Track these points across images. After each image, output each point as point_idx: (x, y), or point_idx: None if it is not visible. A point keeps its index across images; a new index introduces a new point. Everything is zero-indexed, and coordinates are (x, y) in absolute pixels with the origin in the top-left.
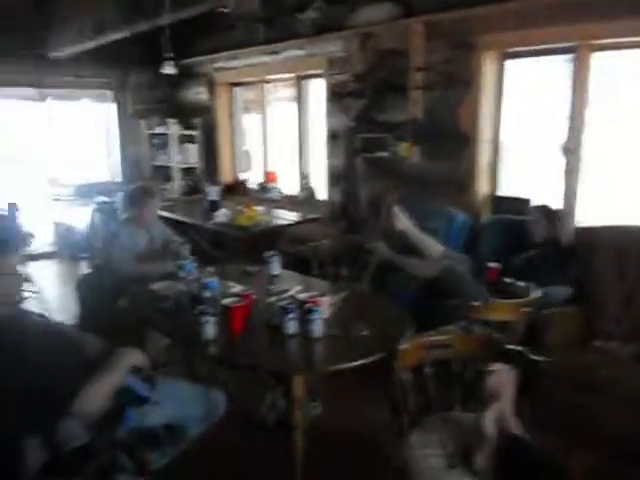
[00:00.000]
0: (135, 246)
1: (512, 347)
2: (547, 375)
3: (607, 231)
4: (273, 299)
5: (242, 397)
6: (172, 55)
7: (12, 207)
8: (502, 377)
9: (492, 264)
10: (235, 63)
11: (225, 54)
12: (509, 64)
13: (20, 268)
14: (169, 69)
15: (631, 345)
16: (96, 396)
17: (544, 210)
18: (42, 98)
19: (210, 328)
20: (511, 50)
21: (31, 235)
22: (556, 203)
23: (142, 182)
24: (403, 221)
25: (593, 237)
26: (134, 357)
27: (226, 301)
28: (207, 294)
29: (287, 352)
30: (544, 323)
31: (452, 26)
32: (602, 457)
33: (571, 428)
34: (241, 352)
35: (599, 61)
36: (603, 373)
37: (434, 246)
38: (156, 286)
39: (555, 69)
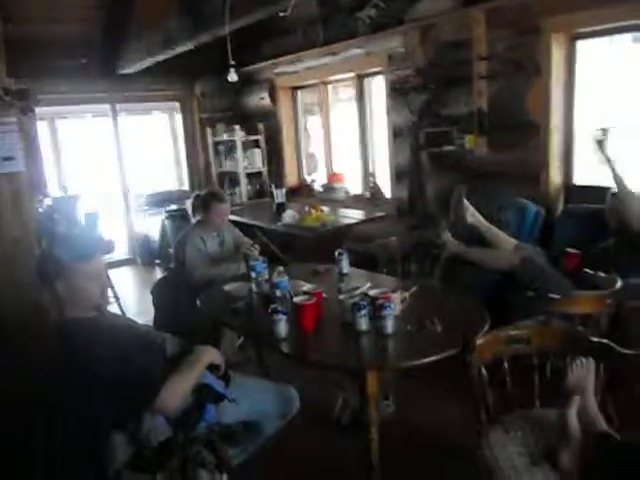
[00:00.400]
0: (207, 249)
1: (597, 340)
2: (633, 371)
3: None
4: (344, 296)
5: (316, 395)
6: (234, 63)
7: (93, 216)
8: (584, 370)
9: (571, 250)
10: (295, 67)
11: (285, 58)
12: (580, 45)
13: (104, 273)
14: (231, 77)
15: None
16: (177, 392)
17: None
18: (115, 113)
19: (282, 326)
20: (581, 31)
21: (112, 243)
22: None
23: (211, 187)
24: (474, 214)
25: None
26: (211, 355)
27: (297, 299)
28: (278, 293)
29: (360, 349)
30: (628, 315)
31: (515, 11)
32: None
33: None
34: (313, 349)
35: None
36: None
37: (507, 239)
38: (229, 287)
39: (630, 48)
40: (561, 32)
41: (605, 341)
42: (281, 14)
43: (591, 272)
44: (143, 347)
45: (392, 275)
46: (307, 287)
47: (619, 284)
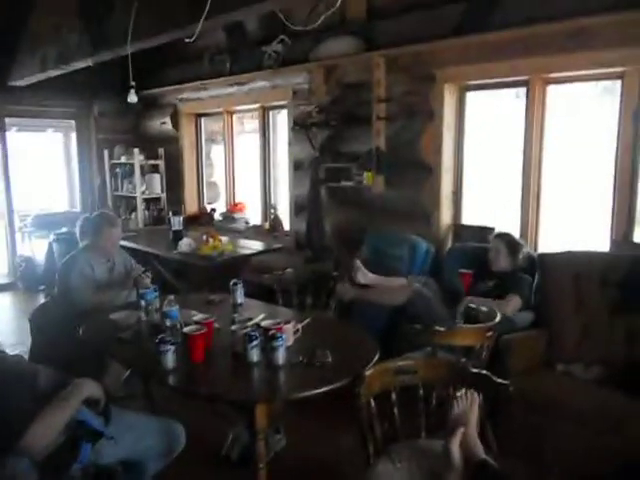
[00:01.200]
0: (94, 274)
1: (477, 371)
2: (512, 399)
3: (565, 257)
4: (236, 327)
5: (204, 430)
6: (134, 84)
7: None
8: (467, 402)
9: (464, 270)
10: (200, 94)
11: (190, 85)
12: (470, 96)
13: None
14: (131, 98)
15: (593, 368)
16: (46, 431)
17: (505, 239)
18: (4, 128)
19: (170, 357)
20: (470, 83)
21: None
22: (517, 230)
23: (102, 210)
24: (365, 275)
25: (551, 263)
26: (89, 388)
27: (187, 329)
28: (168, 323)
29: (250, 381)
30: (507, 347)
31: (412, 59)
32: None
33: (536, 452)
34: (201, 381)
35: (554, 93)
36: (565, 397)
37: (398, 280)
38: (116, 315)
39: (514, 101)
40: (452, 82)
41: (485, 372)
42: (187, 40)
43: (474, 306)
44: (8, 382)
45: (288, 307)
46: (198, 317)
47: (498, 318)
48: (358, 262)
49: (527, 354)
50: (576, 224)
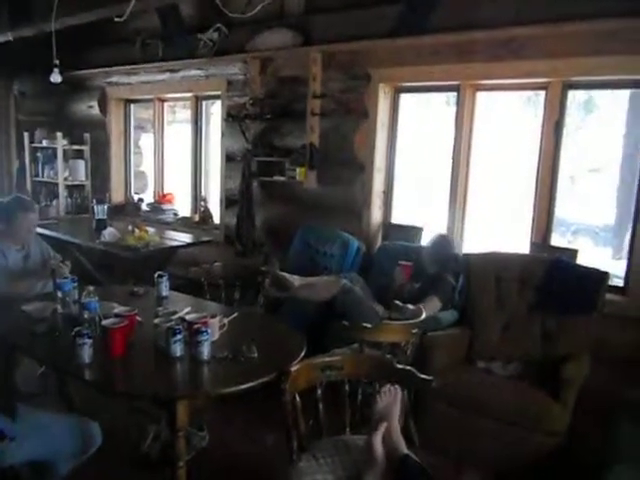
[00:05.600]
0: (7, 263)
1: (402, 367)
2: (433, 395)
3: (488, 258)
4: (159, 320)
5: (125, 428)
6: (58, 63)
7: None
8: (391, 397)
9: (403, 262)
10: (131, 79)
11: (120, 68)
12: (404, 97)
13: None
14: (54, 77)
15: (511, 365)
16: None
17: (435, 242)
18: None
19: (87, 352)
20: (404, 84)
21: None
22: (444, 231)
23: (17, 194)
24: (293, 282)
25: (475, 263)
26: None
27: (106, 322)
28: (86, 315)
29: (171, 376)
30: (432, 345)
31: (349, 57)
32: (487, 474)
33: (457, 445)
34: (120, 377)
35: (484, 100)
36: (484, 392)
37: (328, 278)
38: (30, 307)
39: (445, 106)
40: (387, 83)
41: (409, 368)
42: (117, 19)
43: (400, 304)
44: None
45: (215, 301)
46: (119, 309)
47: (423, 316)
48: (278, 272)
49: (450, 351)
50: (501, 226)
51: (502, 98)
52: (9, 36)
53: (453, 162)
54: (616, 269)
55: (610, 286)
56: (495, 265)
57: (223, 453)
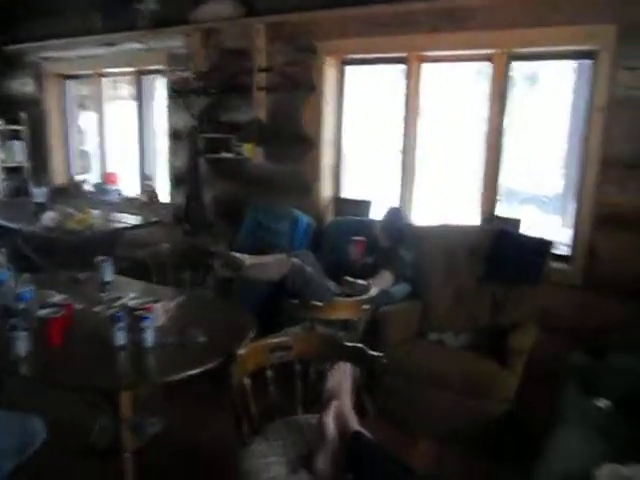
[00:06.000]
0: None
1: (351, 344)
2: (386, 369)
3: (437, 230)
4: (101, 308)
5: (70, 420)
6: None
7: None
8: (340, 375)
9: (357, 237)
10: (68, 53)
11: (55, 42)
12: (350, 70)
13: None
14: None
15: (462, 336)
16: None
17: (387, 216)
18: None
19: (22, 344)
20: (350, 57)
21: None
22: (396, 204)
23: None
24: (243, 261)
25: (425, 236)
26: None
27: (42, 313)
28: (21, 306)
29: (114, 366)
30: (383, 319)
31: (294, 29)
32: (441, 443)
33: (412, 417)
34: (59, 369)
35: (432, 72)
36: (436, 364)
37: (279, 256)
38: None
39: (394, 77)
40: (333, 55)
41: (358, 345)
42: None
43: (350, 280)
44: None
45: (164, 284)
46: (57, 298)
47: (374, 291)
48: (228, 252)
49: (403, 325)
50: (451, 198)
51: (453, 70)
52: None
53: (404, 134)
54: (564, 237)
55: (557, 255)
56: (444, 237)
57: (177, 438)
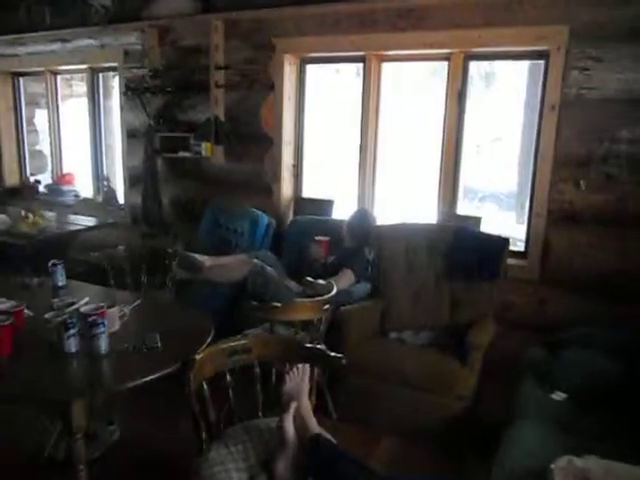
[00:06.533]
0: None
1: (311, 345)
2: (347, 369)
3: (397, 228)
4: (52, 314)
5: (25, 432)
6: None
7: None
8: (298, 377)
9: (320, 237)
10: (17, 50)
11: (4, 38)
12: (310, 68)
13: None
14: None
15: (422, 334)
16: None
17: (352, 217)
18: None
19: None
20: (310, 55)
21: None
22: (354, 203)
23: None
24: (203, 262)
25: (384, 235)
26: None
27: None
28: None
29: (65, 375)
30: (344, 319)
31: (252, 26)
32: (404, 441)
33: (374, 415)
34: (5, 380)
35: (391, 70)
36: (396, 362)
37: (239, 257)
38: None
39: (354, 77)
40: (292, 53)
41: (318, 346)
42: None
43: (311, 280)
44: None
45: (121, 287)
46: (6, 305)
47: (335, 291)
48: (186, 253)
49: (364, 324)
50: (411, 197)
51: (409, 69)
52: None
53: (361, 133)
54: (520, 234)
55: (513, 251)
56: (404, 236)
57: (135, 446)
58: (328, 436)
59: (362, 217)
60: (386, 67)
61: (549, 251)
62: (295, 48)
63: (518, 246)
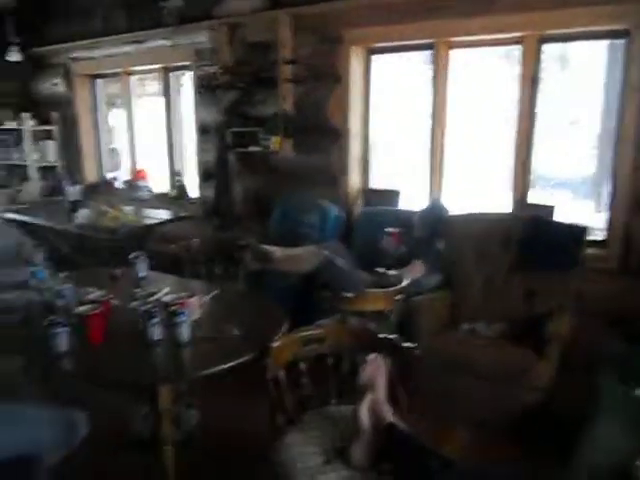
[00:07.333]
0: None
1: (384, 336)
2: (420, 360)
3: (467, 219)
4: (136, 303)
5: (113, 412)
6: (18, 41)
7: None
8: (374, 367)
9: (391, 228)
10: (95, 53)
11: (82, 43)
12: (376, 59)
13: None
14: (14, 56)
15: (495, 325)
16: None
17: (427, 208)
18: None
19: (62, 341)
20: (376, 45)
21: None
22: (425, 193)
23: None
24: (274, 254)
25: (454, 225)
26: None
27: (81, 309)
28: (61, 303)
29: (151, 361)
30: (416, 310)
31: (319, 20)
32: (476, 433)
33: (446, 407)
34: (99, 365)
35: (460, 56)
36: (469, 354)
37: (308, 249)
38: (2, 297)
39: (420, 64)
40: (359, 44)
41: (391, 337)
42: None
43: (382, 270)
44: None
45: (195, 278)
46: (95, 295)
47: (406, 281)
48: (258, 245)
49: (435, 315)
50: (482, 186)
51: (479, 54)
52: None
53: (432, 122)
54: (597, 221)
55: (591, 240)
56: (475, 226)
57: (214, 430)
58: (402, 425)
59: (433, 208)
60: (455, 53)
61: (631, 239)
62: (362, 39)
63: (596, 235)
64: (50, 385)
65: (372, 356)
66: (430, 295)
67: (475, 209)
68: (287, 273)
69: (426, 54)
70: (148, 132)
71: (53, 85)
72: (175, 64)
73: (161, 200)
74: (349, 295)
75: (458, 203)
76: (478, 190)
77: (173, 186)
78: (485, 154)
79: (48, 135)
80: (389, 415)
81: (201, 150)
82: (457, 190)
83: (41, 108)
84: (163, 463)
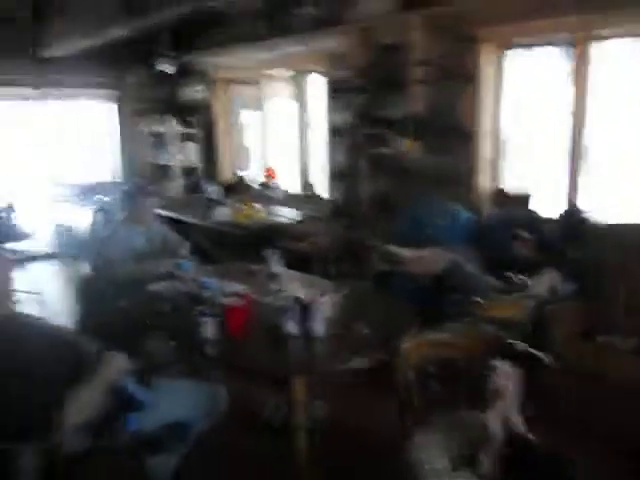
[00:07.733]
0: (133, 246)
1: (515, 344)
2: (552, 371)
3: (611, 228)
4: (272, 298)
5: (246, 396)
6: (172, 53)
7: (9, 208)
8: (506, 376)
9: (523, 233)
10: (233, 60)
11: (223, 50)
12: (509, 56)
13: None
14: (167, 67)
15: (633, 339)
16: (81, 405)
17: (566, 213)
18: (42, 98)
19: (209, 329)
20: (510, 42)
21: (26, 235)
22: (559, 197)
23: (136, 180)
24: (402, 255)
25: (597, 234)
26: (117, 363)
27: (225, 301)
28: (207, 294)
29: (287, 353)
30: (549, 318)
31: (450, 20)
32: (608, 452)
33: (577, 424)
34: (240, 354)
35: (599, 51)
36: (604, 366)
37: (435, 251)
38: (155, 287)
39: (556, 61)
40: (493, 42)
41: (522, 345)
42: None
43: (513, 276)
44: (49, 355)
45: (325, 276)
46: (236, 288)
47: (538, 289)
48: (385, 246)
49: (569, 325)
50: (630, 193)
51: (629, 46)
52: (126, 30)
53: (572, 123)
54: None
55: None
56: (619, 236)
57: (340, 423)
58: (531, 437)
59: (572, 214)
60: (598, 47)
61: None
62: (495, 36)
63: None
64: (195, 367)
65: (503, 364)
66: (565, 304)
67: (619, 216)
68: (416, 275)
69: (565, 49)
70: (279, 133)
71: (195, 91)
72: (307, 68)
73: (292, 199)
74: (480, 300)
75: (600, 208)
76: (624, 196)
77: (303, 186)
78: (634, 157)
79: (190, 137)
80: (520, 427)
81: (332, 151)
82: (599, 194)
83: (184, 112)
84: (294, 448)
